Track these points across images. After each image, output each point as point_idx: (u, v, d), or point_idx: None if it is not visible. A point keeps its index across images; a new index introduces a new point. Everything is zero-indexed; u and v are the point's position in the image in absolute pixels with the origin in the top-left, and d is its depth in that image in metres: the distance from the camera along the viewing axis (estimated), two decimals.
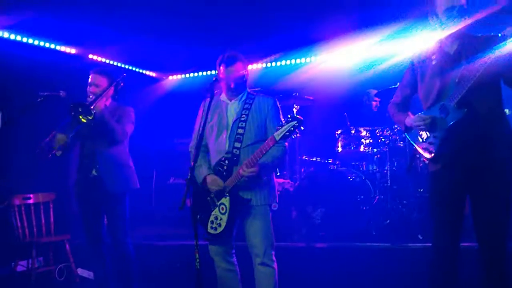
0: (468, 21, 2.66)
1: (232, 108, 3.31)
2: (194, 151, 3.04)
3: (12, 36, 5.70)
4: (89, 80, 3.89)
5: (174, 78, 8.43)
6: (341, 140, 5.79)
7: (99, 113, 3.62)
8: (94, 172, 3.85)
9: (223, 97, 3.36)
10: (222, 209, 3.12)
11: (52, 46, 6.19)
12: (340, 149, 5.78)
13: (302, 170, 6.16)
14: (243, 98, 3.32)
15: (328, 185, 5.29)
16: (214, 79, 3.16)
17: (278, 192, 5.08)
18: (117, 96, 4.04)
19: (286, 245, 4.72)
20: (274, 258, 3.17)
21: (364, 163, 5.97)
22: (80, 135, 3.83)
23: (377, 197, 5.34)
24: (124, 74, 4.02)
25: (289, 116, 2.90)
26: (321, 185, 5.31)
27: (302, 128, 2.86)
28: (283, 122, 2.89)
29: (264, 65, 7.49)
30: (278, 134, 2.88)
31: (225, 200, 3.12)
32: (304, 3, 5.55)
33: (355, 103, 6.54)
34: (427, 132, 2.81)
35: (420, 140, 2.87)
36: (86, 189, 3.86)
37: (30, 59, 5.70)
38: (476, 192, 2.71)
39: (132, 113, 4.01)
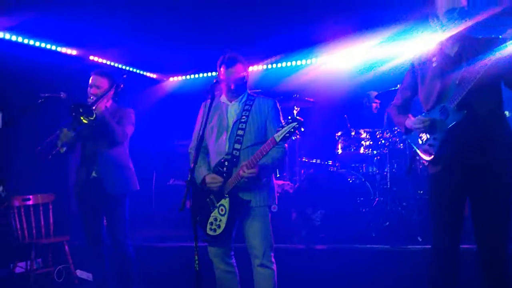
0: (468, 23, 2.66)
1: (232, 109, 3.31)
2: (194, 152, 3.04)
3: (13, 37, 5.71)
4: (90, 81, 3.89)
5: (175, 80, 8.44)
6: (341, 142, 5.79)
7: (100, 114, 3.62)
8: (94, 174, 3.85)
9: (223, 98, 3.37)
10: (222, 210, 3.12)
11: (53, 47, 6.20)
12: (340, 151, 5.78)
13: (302, 171, 6.16)
14: (243, 100, 3.32)
15: (328, 187, 5.29)
16: (214, 80, 3.17)
17: (278, 194, 5.10)
18: (117, 97, 4.04)
19: (286, 246, 4.71)
20: (273, 260, 3.17)
21: (364, 165, 5.96)
22: (81, 136, 3.83)
23: (377, 199, 5.33)
24: (124, 76, 4.03)
25: (289, 117, 2.89)
26: (321, 187, 5.31)
27: (302, 129, 2.85)
28: (283, 123, 2.89)
29: (264, 66, 7.50)
30: (278, 136, 2.87)
31: (225, 202, 3.12)
32: (305, 5, 5.55)
33: (356, 105, 6.54)
34: (427, 134, 2.81)
35: (420, 142, 2.87)
36: (86, 190, 3.86)
37: (31, 60, 5.71)
38: (476, 194, 2.71)
39: (132, 114, 4.02)
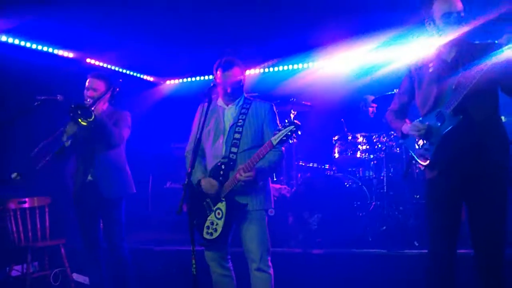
0: (465, 28, 2.67)
1: (229, 113, 3.31)
2: (191, 156, 3.03)
3: (10, 40, 5.70)
4: (87, 84, 3.89)
5: (172, 83, 8.44)
6: (338, 146, 5.80)
7: (98, 116, 3.61)
8: (90, 177, 3.85)
9: (220, 102, 3.37)
10: (218, 214, 3.11)
11: (50, 50, 6.18)
12: (337, 155, 5.79)
13: (299, 175, 6.16)
14: (240, 103, 3.33)
15: (324, 191, 5.29)
16: (212, 84, 3.17)
17: (275, 198, 5.10)
18: (114, 100, 4.04)
19: (283, 250, 4.71)
20: (270, 264, 3.16)
21: (360, 169, 5.97)
22: (77, 139, 3.82)
23: (374, 203, 5.34)
24: (120, 80, 4.02)
25: (286, 121, 2.90)
26: (317, 191, 5.31)
27: (299, 133, 2.86)
28: (280, 127, 2.89)
29: (262, 70, 7.51)
30: (275, 139, 2.88)
31: (221, 205, 3.11)
32: (302, 9, 5.56)
33: (352, 109, 6.55)
34: (423, 139, 2.82)
35: (417, 146, 2.88)
36: (82, 193, 3.85)
37: (28, 62, 5.69)
38: (472, 199, 2.71)
39: (128, 117, 4.01)
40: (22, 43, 5.84)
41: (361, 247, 4.65)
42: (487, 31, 2.97)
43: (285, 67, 7.42)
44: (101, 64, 7.06)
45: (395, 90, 4.97)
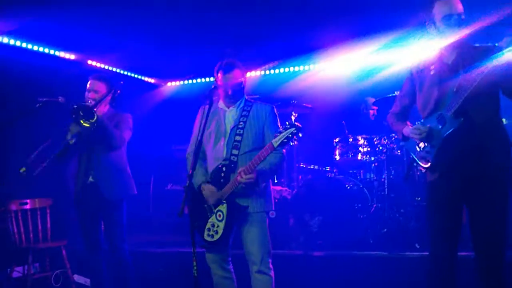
0: (466, 31, 2.68)
1: (230, 115, 3.32)
2: (192, 158, 3.03)
3: (12, 41, 5.71)
4: (88, 86, 3.89)
5: (173, 85, 8.44)
6: (339, 148, 5.80)
7: (99, 117, 3.62)
8: (91, 179, 3.85)
9: (221, 104, 3.37)
10: (219, 216, 3.11)
11: (51, 51, 6.20)
12: (338, 157, 5.79)
13: (300, 177, 6.16)
14: (241, 105, 3.33)
15: (325, 193, 5.29)
16: (213, 86, 3.17)
17: (276, 200, 5.11)
18: (115, 103, 4.05)
19: (284, 253, 4.71)
20: (271, 266, 3.16)
21: (361, 171, 5.97)
22: (79, 141, 3.82)
23: (375, 205, 5.34)
24: (121, 82, 4.02)
25: (287, 123, 2.90)
26: (318, 193, 5.31)
27: (300, 135, 2.86)
28: (281, 129, 2.90)
29: (262, 72, 7.51)
30: (276, 141, 2.88)
31: (222, 207, 3.11)
32: (303, 11, 5.57)
33: (353, 111, 6.56)
34: (425, 142, 2.83)
35: (418, 149, 2.89)
36: (84, 195, 3.86)
37: (29, 64, 5.70)
38: (473, 201, 2.71)
39: (130, 119, 4.02)
40: (24, 45, 5.85)
41: (362, 249, 4.66)
42: (488, 34, 2.98)
43: (286, 69, 7.42)
44: (102, 66, 7.07)
45: (396, 92, 4.99)
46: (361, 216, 5.21)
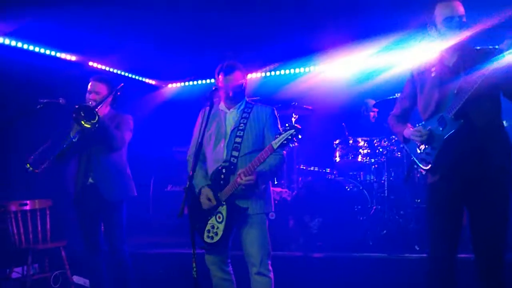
0: (466, 33, 2.68)
1: (231, 117, 3.32)
2: (192, 160, 3.04)
3: (13, 43, 5.71)
4: (89, 87, 3.90)
5: (174, 86, 8.45)
6: (339, 150, 5.80)
7: (101, 118, 3.62)
8: (90, 180, 3.85)
9: (222, 106, 3.38)
10: (219, 217, 3.11)
11: (52, 53, 6.20)
12: (338, 158, 5.79)
13: (300, 179, 6.16)
14: (242, 107, 3.33)
15: (325, 194, 5.29)
16: (213, 88, 3.18)
17: (276, 201, 5.11)
18: (116, 104, 4.05)
19: (283, 254, 4.71)
20: (270, 268, 3.16)
21: (361, 173, 5.98)
22: (79, 142, 3.83)
23: (374, 207, 5.34)
24: (122, 84, 4.03)
25: (286, 124, 2.91)
26: (318, 195, 5.31)
27: (299, 136, 2.86)
28: (281, 130, 2.90)
29: (263, 74, 7.52)
30: (275, 143, 2.88)
31: (222, 209, 3.11)
32: (304, 13, 5.58)
33: (354, 113, 6.56)
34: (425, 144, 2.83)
35: (418, 151, 2.89)
36: (83, 196, 3.86)
37: (30, 65, 5.71)
38: (473, 203, 2.71)
39: (130, 121, 4.02)
40: (25, 46, 5.85)
41: (361, 251, 4.66)
42: (488, 36, 2.98)
43: (287, 71, 7.43)
44: (103, 67, 7.07)
45: (396, 94, 5.00)
46: (361, 218, 5.21)
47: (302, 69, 7.33)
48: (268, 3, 5.31)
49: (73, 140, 3.76)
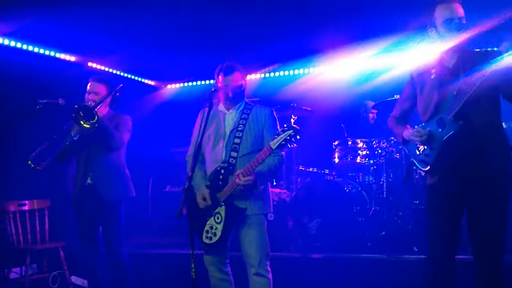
0: (466, 35, 2.69)
1: (230, 117, 3.33)
2: (191, 160, 3.04)
3: (12, 43, 5.71)
4: (88, 87, 3.90)
5: (173, 87, 8.45)
6: (338, 151, 5.81)
7: (100, 118, 3.62)
8: (89, 180, 3.85)
9: (221, 106, 3.38)
10: (218, 218, 3.12)
11: (52, 53, 6.20)
12: (337, 160, 5.80)
13: (299, 180, 6.17)
14: (241, 108, 3.34)
15: (324, 195, 5.29)
16: (213, 89, 3.18)
17: (275, 202, 5.11)
18: (114, 105, 4.05)
19: (282, 255, 4.71)
20: (269, 269, 3.16)
21: (360, 174, 5.98)
22: (79, 142, 3.83)
23: (373, 208, 5.34)
24: (121, 85, 4.03)
25: (285, 125, 2.92)
26: (317, 196, 5.31)
27: (298, 137, 2.87)
28: (280, 131, 2.91)
29: (262, 75, 7.53)
30: (274, 143, 2.89)
31: (221, 209, 3.11)
32: (303, 15, 5.58)
33: (353, 115, 6.57)
34: (424, 145, 2.83)
35: (418, 152, 2.89)
36: (82, 197, 3.86)
37: (30, 65, 5.70)
38: (472, 204, 2.72)
39: (129, 121, 4.02)
40: (24, 47, 5.85)
41: (360, 252, 4.66)
42: (488, 38, 2.99)
43: (286, 73, 7.43)
44: (102, 68, 7.07)
45: (395, 96, 5.00)
46: (360, 219, 5.22)
47: (301, 71, 7.34)
48: (267, 4, 5.31)
49: (74, 138, 3.76)
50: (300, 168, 6.11)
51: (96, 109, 3.61)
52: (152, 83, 8.31)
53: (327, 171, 6.07)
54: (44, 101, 3.81)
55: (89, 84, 3.91)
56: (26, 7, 4.74)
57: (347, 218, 5.15)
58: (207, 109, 3.17)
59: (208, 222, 3.15)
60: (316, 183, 5.73)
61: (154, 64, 7.22)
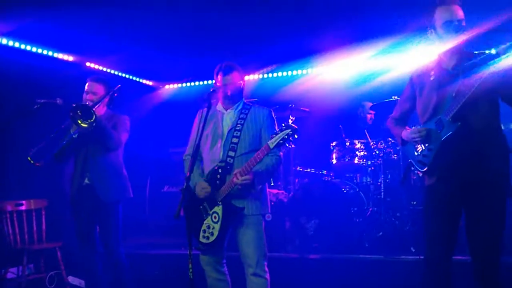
0: (465, 37, 2.70)
1: (228, 117, 3.33)
2: (190, 160, 3.05)
3: (10, 43, 5.70)
4: (86, 87, 3.89)
5: (171, 87, 8.45)
6: (335, 152, 5.82)
7: (98, 117, 3.62)
8: (86, 180, 3.84)
9: (219, 106, 3.38)
10: (215, 218, 3.11)
11: (50, 53, 6.18)
12: (334, 160, 5.81)
13: (296, 181, 6.17)
14: (239, 108, 3.34)
15: (322, 196, 5.30)
16: (211, 89, 3.19)
17: (272, 203, 5.12)
18: (112, 105, 4.05)
19: (279, 255, 4.72)
20: (266, 269, 3.16)
21: (358, 175, 5.99)
22: (77, 141, 3.82)
23: (371, 209, 5.35)
24: (119, 85, 4.02)
25: (283, 124, 2.92)
26: (315, 196, 5.32)
27: (296, 136, 2.87)
28: (278, 130, 2.91)
29: (261, 76, 7.53)
30: (272, 142, 2.89)
31: (218, 209, 3.11)
32: (302, 15, 5.59)
33: (351, 116, 6.57)
34: (423, 146, 2.84)
35: (416, 153, 2.90)
36: (79, 197, 3.85)
37: (28, 65, 5.69)
38: (470, 206, 2.72)
39: (127, 121, 4.02)
40: (22, 46, 5.84)
41: (357, 252, 4.67)
42: (486, 40, 3.00)
43: (284, 73, 7.43)
44: (100, 68, 7.06)
45: (393, 97, 5.02)
46: (357, 220, 5.22)
47: (299, 71, 7.34)
48: (266, 5, 5.31)
49: (74, 136, 3.76)
50: (298, 168, 6.11)
51: (94, 109, 3.61)
52: (150, 83, 8.31)
53: (325, 172, 6.08)
54: (42, 101, 3.80)
55: (87, 84, 3.90)
56: (24, 7, 4.73)
57: (345, 218, 5.16)
58: (205, 109, 3.17)
59: (205, 222, 3.15)
60: (314, 183, 5.73)
61: (152, 64, 7.21)
